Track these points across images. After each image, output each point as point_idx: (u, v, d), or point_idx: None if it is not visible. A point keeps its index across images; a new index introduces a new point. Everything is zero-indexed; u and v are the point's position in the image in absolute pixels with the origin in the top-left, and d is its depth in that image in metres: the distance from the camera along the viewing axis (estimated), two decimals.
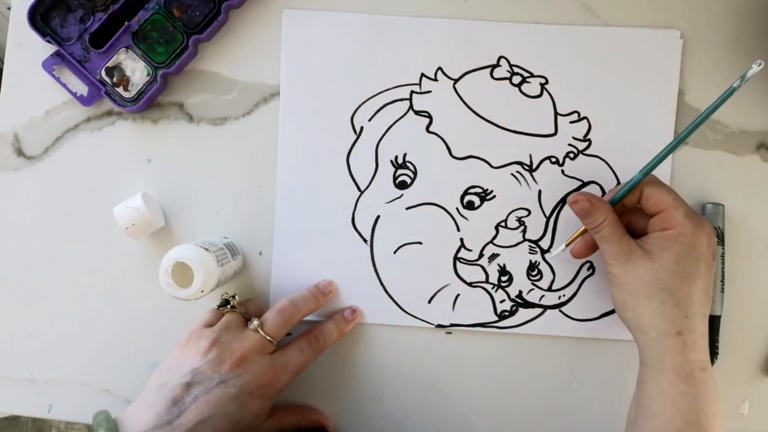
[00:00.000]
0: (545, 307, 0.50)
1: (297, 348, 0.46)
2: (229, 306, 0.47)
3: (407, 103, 0.50)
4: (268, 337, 0.44)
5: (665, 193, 0.43)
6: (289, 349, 0.46)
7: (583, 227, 0.45)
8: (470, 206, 0.50)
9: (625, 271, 0.42)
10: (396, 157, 0.50)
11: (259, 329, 0.44)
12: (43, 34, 0.49)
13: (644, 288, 0.41)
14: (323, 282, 0.50)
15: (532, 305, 0.50)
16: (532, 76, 0.50)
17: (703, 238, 0.42)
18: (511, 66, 0.50)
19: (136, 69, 0.50)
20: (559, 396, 0.50)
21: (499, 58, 0.50)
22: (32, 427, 1.21)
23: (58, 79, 0.50)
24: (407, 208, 0.50)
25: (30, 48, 0.51)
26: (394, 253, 0.50)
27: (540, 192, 0.50)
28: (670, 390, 0.41)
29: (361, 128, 0.50)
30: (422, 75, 0.50)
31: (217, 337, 0.44)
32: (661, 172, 0.49)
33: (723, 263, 0.48)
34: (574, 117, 0.50)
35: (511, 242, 0.50)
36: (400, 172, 0.50)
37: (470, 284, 0.50)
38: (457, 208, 0.50)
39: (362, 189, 0.50)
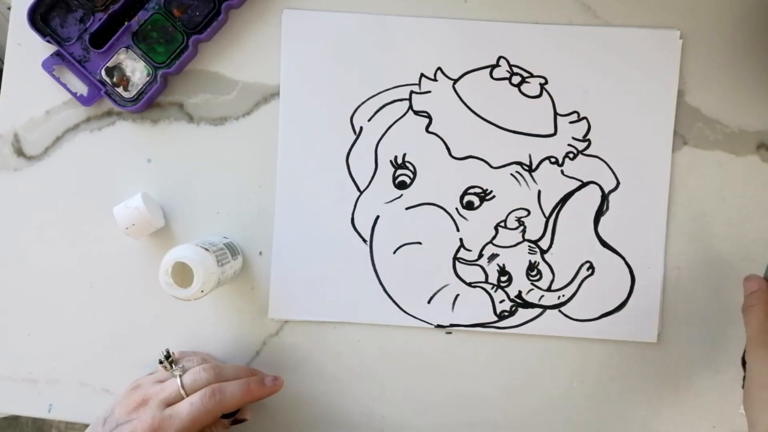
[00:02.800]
0: (545, 308, 0.50)
1: (188, 401, 0.42)
2: (167, 361, 0.45)
3: (407, 103, 0.50)
4: (182, 391, 0.43)
5: None
6: (182, 401, 0.43)
7: None
8: (470, 206, 0.50)
9: (754, 359, 0.38)
10: (395, 157, 0.50)
11: (177, 376, 0.44)
12: (43, 34, 0.49)
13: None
14: (269, 377, 0.47)
15: (532, 305, 0.50)
16: (532, 76, 0.50)
17: None
18: (510, 66, 0.50)
19: (136, 69, 0.50)
20: (559, 396, 0.50)
21: (499, 58, 0.50)
22: (32, 427, 1.21)
23: (58, 79, 0.50)
24: (407, 209, 0.50)
25: (30, 48, 0.51)
26: (394, 253, 0.50)
27: (539, 192, 0.50)
28: None
29: (361, 128, 0.50)
30: (422, 75, 0.50)
31: (143, 382, 0.45)
32: (662, 174, 0.49)
33: None
34: (574, 117, 0.50)
35: (511, 242, 0.50)
36: (399, 172, 0.50)
37: (470, 284, 0.50)
38: (456, 208, 0.50)
39: (362, 189, 0.50)
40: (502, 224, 0.50)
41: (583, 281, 0.50)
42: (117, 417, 0.42)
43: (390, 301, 0.50)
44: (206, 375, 0.44)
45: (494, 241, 0.50)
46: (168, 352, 0.45)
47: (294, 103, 0.50)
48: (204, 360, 0.48)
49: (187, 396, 0.43)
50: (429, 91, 0.50)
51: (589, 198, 0.50)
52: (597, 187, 0.50)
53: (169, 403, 0.43)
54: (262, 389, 0.46)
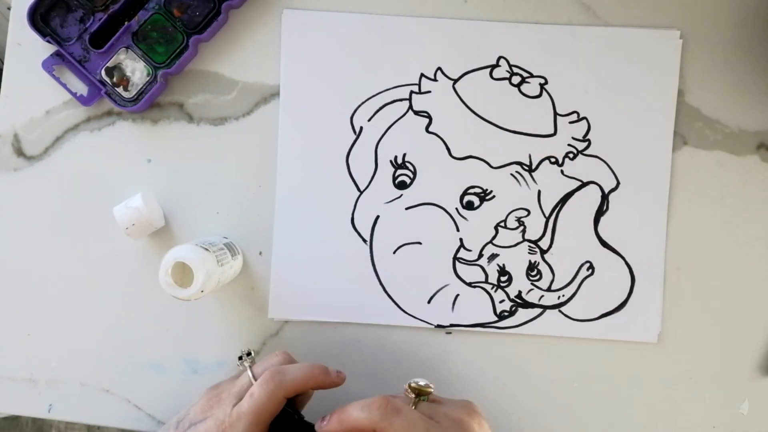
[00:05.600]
0: (545, 308, 0.50)
1: (249, 393, 0.40)
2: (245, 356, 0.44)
3: (407, 103, 0.50)
4: (252, 380, 0.41)
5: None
6: (246, 394, 0.41)
7: None
8: (470, 206, 0.50)
9: None
10: (395, 157, 0.50)
11: (248, 368, 0.42)
12: (43, 34, 0.49)
13: None
14: (334, 369, 0.44)
15: (532, 305, 0.50)
16: (532, 76, 0.50)
17: None
18: (510, 66, 0.50)
19: (136, 69, 0.50)
20: (559, 396, 0.50)
21: (499, 58, 0.50)
22: (32, 427, 1.21)
23: (58, 79, 0.50)
24: (407, 208, 0.50)
25: (30, 48, 0.51)
26: (394, 253, 0.50)
27: (539, 192, 0.50)
28: None
29: (361, 128, 0.50)
30: (422, 75, 0.50)
31: (219, 383, 0.44)
32: (662, 174, 0.49)
33: None
34: (574, 117, 0.50)
35: (511, 242, 0.50)
36: (399, 172, 0.50)
37: (470, 284, 0.50)
38: (456, 208, 0.50)
39: (362, 189, 0.50)
40: (502, 224, 0.50)
41: (583, 281, 0.50)
42: (192, 417, 0.41)
43: (390, 301, 0.50)
44: (275, 359, 0.43)
45: (494, 241, 0.50)
46: (248, 350, 0.44)
47: (294, 103, 0.50)
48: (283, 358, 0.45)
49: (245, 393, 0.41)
50: (429, 91, 0.50)
51: (589, 198, 0.50)
52: (597, 187, 0.50)
53: (242, 396, 0.41)
54: (326, 377, 0.43)
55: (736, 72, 0.49)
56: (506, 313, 0.50)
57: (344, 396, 0.51)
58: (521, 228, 0.50)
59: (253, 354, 0.44)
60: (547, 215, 0.50)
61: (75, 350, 0.51)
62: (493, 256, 0.50)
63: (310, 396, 0.46)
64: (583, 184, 0.50)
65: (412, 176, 0.50)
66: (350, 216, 0.50)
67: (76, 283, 0.51)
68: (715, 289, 0.50)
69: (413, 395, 0.39)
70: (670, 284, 0.50)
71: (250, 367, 0.43)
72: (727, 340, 0.50)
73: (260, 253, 0.51)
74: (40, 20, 0.49)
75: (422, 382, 0.39)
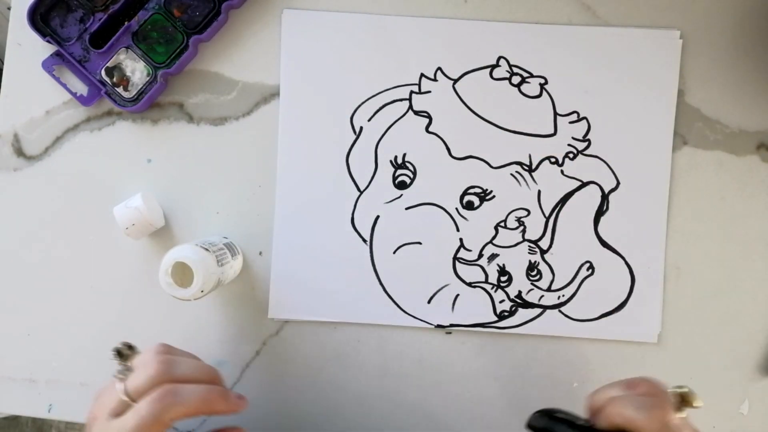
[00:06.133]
0: (545, 308, 0.50)
1: (134, 410, 0.36)
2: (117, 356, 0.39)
3: (407, 103, 0.50)
4: (124, 397, 0.36)
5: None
6: (128, 412, 0.36)
7: None
8: (470, 206, 0.50)
9: None
10: (395, 157, 0.50)
11: (121, 380, 0.37)
12: (43, 34, 0.49)
13: None
14: (234, 394, 0.40)
15: (532, 305, 0.50)
16: (532, 76, 0.50)
17: None
18: (510, 66, 0.50)
19: (136, 69, 0.50)
20: (559, 396, 0.50)
21: (499, 58, 0.50)
22: (32, 427, 1.21)
23: (58, 79, 0.50)
24: (407, 208, 0.50)
25: (30, 48, 0.51)
26: (394, 253, 0.50)
27: (539, 192, 0.50)
28: None
29: (361, 128, 0.50)
30: (422, 75, 0.50)
31: (99, 392, 0.39)
32: (662, 174, 0.49)
33: None
34: (574, 117, 0.50)
35: (511, 242, 0.50)
36: (399, 172, 0.50)
37: (470, 284, 0.50)
38: (456, 208, 0.50)
39: (362, 189, 0.50)
40: (502, 224, 0.50)
41: (583, 281, 0.50)
42: None
43: (390, 301, 0.50)
44: (152, 372, 0.37)
45: (494, 241, 0.50)
46: (123, 345, 0.38)
47: (294, 103, 0.50)
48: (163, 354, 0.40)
49: (134, 401, 0.36)
50: (429, 91, 0.50)
51: (589, 198, 0.50)
52: (597, 187, 0.50)
53: (118, 414, 0.36)
54: (224, 403, 0.38)
55: (736, 72, 0.49)
56: (506, 313, 0.50)
57: (344, 395, 0.51)
58: (521, 228, 0.50)
59: (134, 349, 0.39)
60: (547, 215, 0.50)
61: (75, 350, 0.51)
62: (493, 256, 0.50)
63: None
64: (583, 184, 0.50)
65: (412, 176, 0.50)
66: (350, 216, 0.50)
67: (76, 283, 0.51)
68: (715, 289, 0.50)
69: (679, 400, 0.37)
70: (669, 284, 0.50)
71: (123, 380, 0.37)
72: (727, 340, 0.50)
73: (260, 253, 0.51)
74: (40, 20, 0.49)
75: (687, 389, 0.37)
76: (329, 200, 0.50)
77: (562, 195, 0.50)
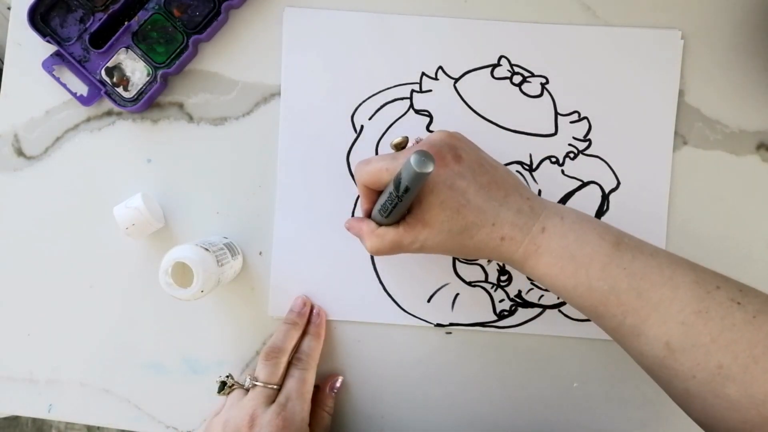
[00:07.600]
0: (544, 307, 0.50)
1: (289, 377, 0.46)
2: (226, 387, 0.46)
3: (408, 102, 0.50)
4: (269, 386, 0.45)
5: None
6: (284, 384, 0.45)
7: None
8: None
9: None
10: None
11: (254, 383, 0.45)
12: (43, 34, 0.49)
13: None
14: (296, 303, 0.50)
15: (532, 305, 0.50)
16: (533, 75, 0.50)
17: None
18: (511, 65, 0.50)
19: (136, 69, 0.50)
20: (559, 396, 0.50)
21: (500, 57, 0.50)
22: (32, 427, 1.21)
23: (58, 79, 0.50)
24: None
25: (30, 48, 0.51)
26: None
27: (540, 192, 0.50)
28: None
29: (362, 127, 0.50)
30: (423, 74, 0.50)
31: (225, 419, 0.44)
32: (662, 173, 0.49)
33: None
34: (575, 117, 0.50)
35: None
36: None
37: (469, 283, 0.50)
38: None
39: None
40: None
41: None
42: None
43: (390, 300, 0.50)
44: (269, 360, 0.46)
45: None
46: (226, 378, 0.47)
47: (294, 103, 0.50)
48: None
49: (268, 384, 0.45)
50: (430, 90, 0.50)
51: (590, 198, 0.50)
52: (597, 187, 0.50)
53: (269, 401, 0.44)
54: (318, 327, 0.49)
55: (736, 72, 0.49)
56: (506, 313, 0.50)
57: (345, 395, 0.51)
58: None
59: (232, 380, 0.46)
60: None
61: (75, 350, 0.51)
62: None
63: (328, 424, 0.49)
64: (584, 184, 0.50)
65: None
66: (350, 215, 0.50)
67: (76, 283, 0.51)
68: None
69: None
70: None
71: (253, 380, 0.45)
72: None
73: (260, 253, 0.51)
74: (40, 20, 0.49)
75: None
76: (329, 200, 0.50)
77: (562, 195, 0.50)
